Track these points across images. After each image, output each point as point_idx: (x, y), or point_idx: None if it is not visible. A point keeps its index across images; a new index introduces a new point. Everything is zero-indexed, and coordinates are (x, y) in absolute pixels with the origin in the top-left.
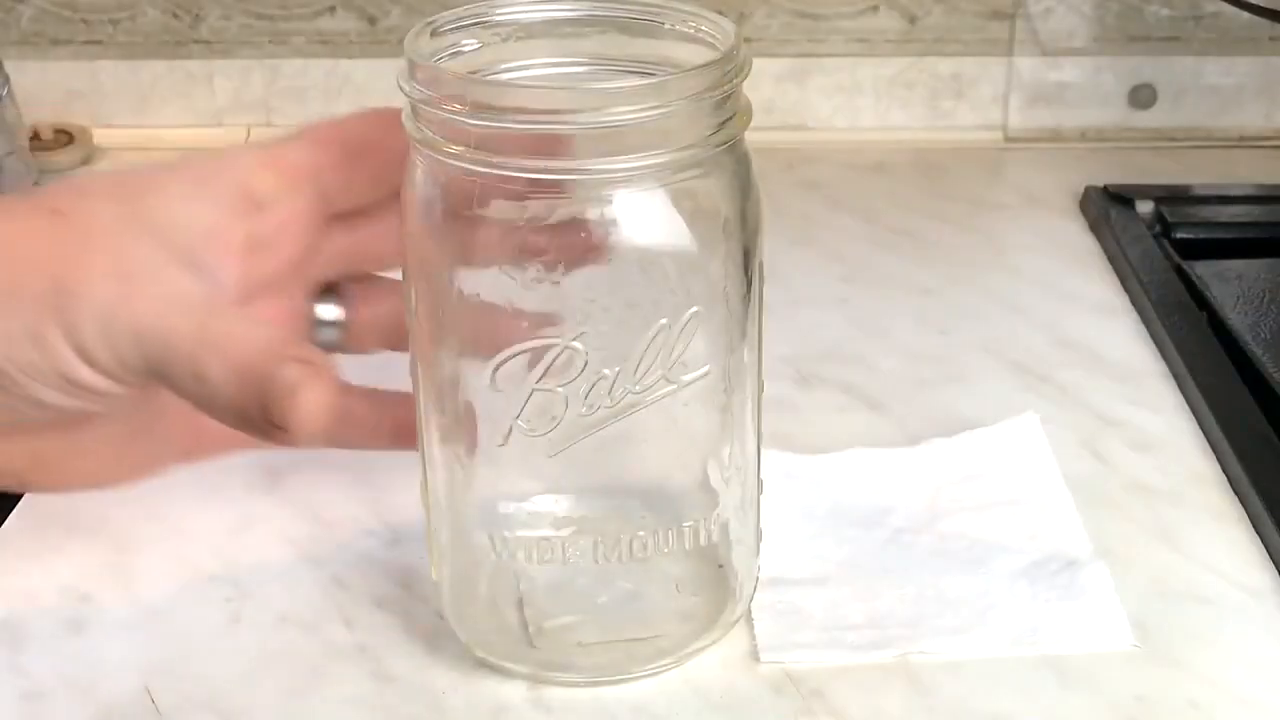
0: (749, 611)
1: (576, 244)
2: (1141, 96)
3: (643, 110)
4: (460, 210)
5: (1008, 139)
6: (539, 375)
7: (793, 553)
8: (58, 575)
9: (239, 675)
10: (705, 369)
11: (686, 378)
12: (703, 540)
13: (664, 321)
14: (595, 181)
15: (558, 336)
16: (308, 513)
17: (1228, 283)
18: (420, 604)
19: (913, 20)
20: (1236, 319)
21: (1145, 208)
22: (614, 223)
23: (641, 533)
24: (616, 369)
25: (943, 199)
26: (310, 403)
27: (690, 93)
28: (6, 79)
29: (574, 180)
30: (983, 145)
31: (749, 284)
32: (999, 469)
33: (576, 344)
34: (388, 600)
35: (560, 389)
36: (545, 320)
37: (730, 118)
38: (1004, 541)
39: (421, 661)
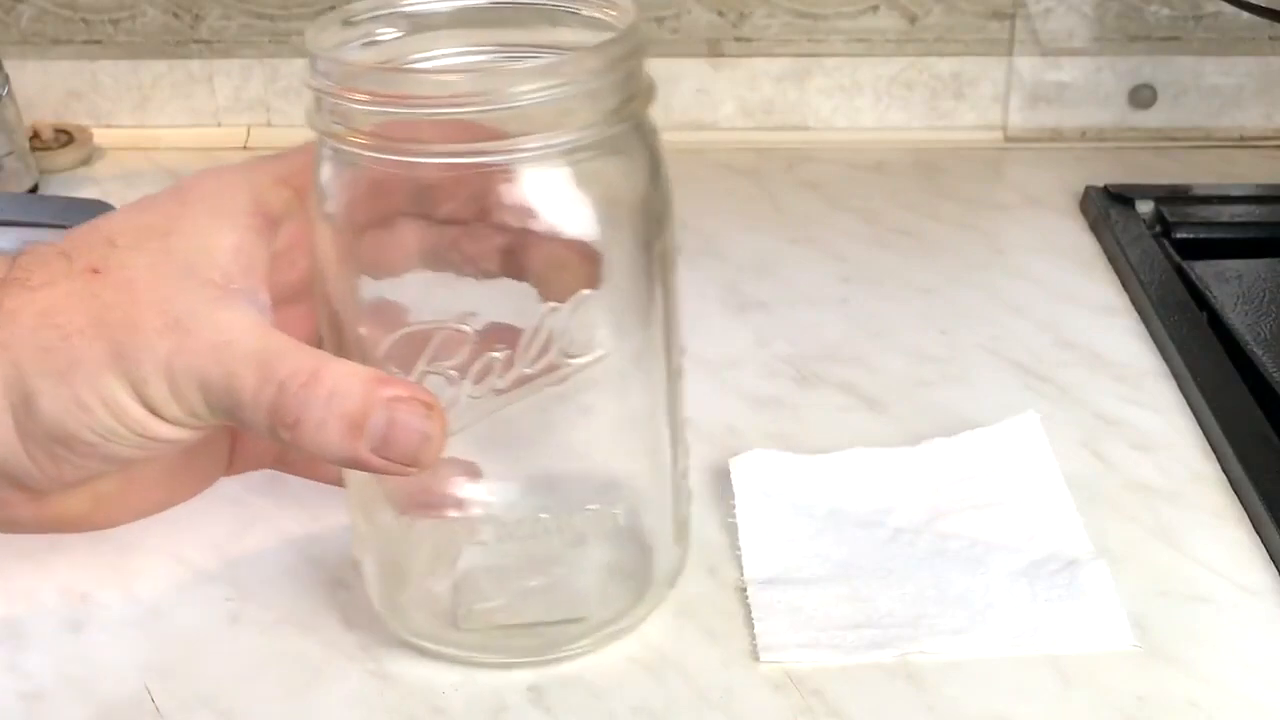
0: (748, 608)
1: (569, 270)
2: (1141, 96)
3: (540, 91)
4: (365, 199)
5: (1008, 139)
6: (427, 358)
7: (793, 553)
8: (58, 575)
9: (239, 675)
10: (600, 353)
11: (579, 361)
12: (614, 524)
13: (554, 305)
14: (496, 164)
15: (446, 319)
16: (307, 513)
17: (1228, 283)
18: None
19: (913, 20)
20: (1236, 319)
21: (1145, 207)
22: (514, 205)
23: (544, 515)
24: (508, 352)
25: (943, 199)
26: (438, 442)
27: (587, 72)
28: (6, 79)
29: (476, 164)
30: (983, 145)
31: (653, 266)
32: (999, 469)
33: (464, 326)
34: None
35: (451, 372)
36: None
37: (632, 97)
38: (1004, 541)
39: (421, 661)
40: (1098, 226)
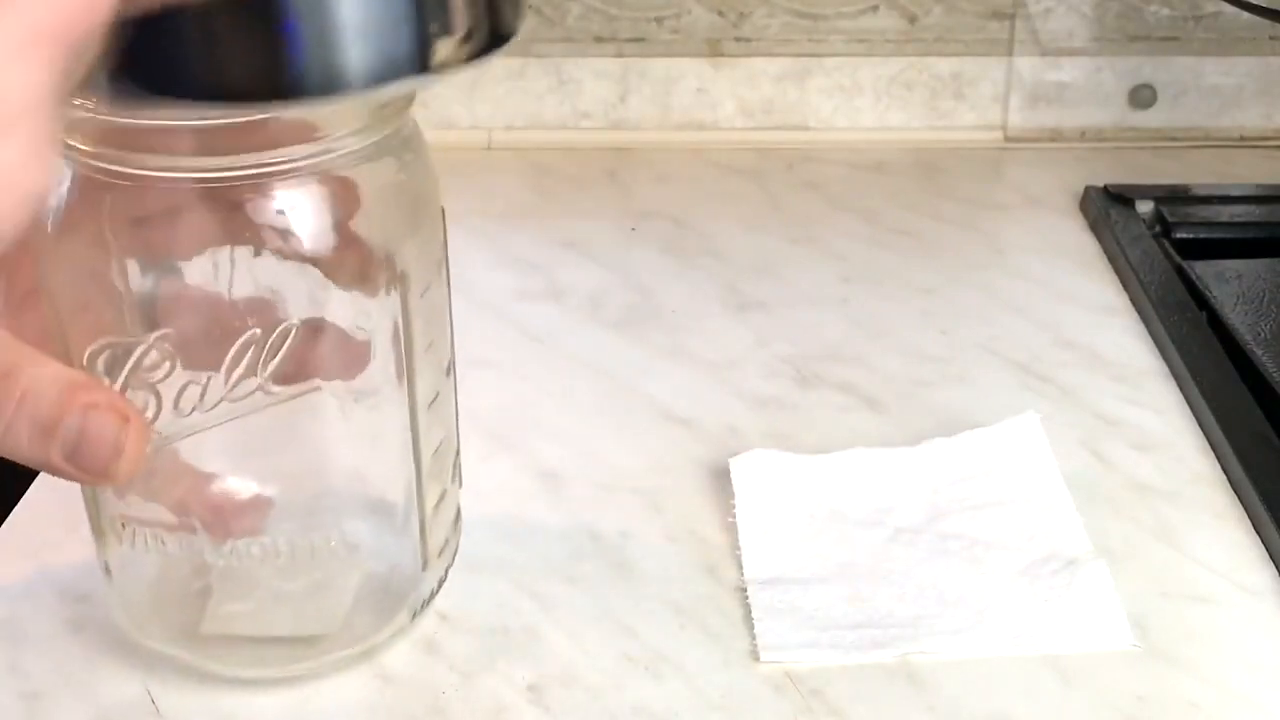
0: (748, 608)
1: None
2: (1141, 96)
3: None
4: (80, 205)
5: (1007, 139)
6: (125, 371)
7: (793, 552)
8: (58, 575)
9: (239, 675)
10: (315, 383)
11: (287, 390)
12: (358, 547)
13: (255, 331)
14: (223, 180)
15: (150, 335)
16: None
17: (1227, 283)
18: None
19: (913, 20)
20: (1236, 319)
21: (1145, 208)
22: (245, 223)
23: (287, 533)
24: (210, 375)
25: (943, 199)
26: (134, 455)
27: None
28: None
29: (208, 178)
30: (982, 145)
31: (395, 289)
32: (999, 469)
33: (163, 345)
34: None
35: (153, 388)
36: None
37: (386, 103)
38: (1004, 541)
39: (422, 661)
40: (1097, 226)
